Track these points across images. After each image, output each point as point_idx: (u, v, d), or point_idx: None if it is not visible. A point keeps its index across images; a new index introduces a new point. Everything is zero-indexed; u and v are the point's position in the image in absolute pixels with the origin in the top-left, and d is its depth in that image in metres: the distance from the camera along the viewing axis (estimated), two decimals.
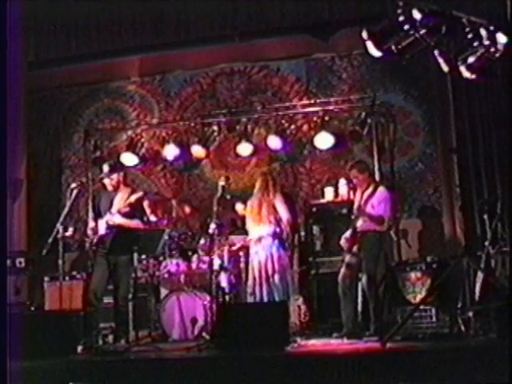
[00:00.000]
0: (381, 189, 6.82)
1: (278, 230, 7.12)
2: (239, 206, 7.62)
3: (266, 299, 6.99)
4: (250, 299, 7.16)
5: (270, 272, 7.05)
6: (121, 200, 7.01)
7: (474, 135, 7.90)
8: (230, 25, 8.32)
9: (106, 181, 7.15)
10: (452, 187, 8.04)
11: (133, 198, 6.87)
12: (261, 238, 7.15)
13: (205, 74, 9.66)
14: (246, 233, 7.44)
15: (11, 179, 8.00)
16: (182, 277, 7.94)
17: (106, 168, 7.21)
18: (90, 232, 7.00)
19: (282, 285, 7.03)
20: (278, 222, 7.12)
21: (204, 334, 7.11)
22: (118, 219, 6.87)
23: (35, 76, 8.89)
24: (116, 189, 7.10)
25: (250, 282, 7.18)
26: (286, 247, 7.17)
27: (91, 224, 7.03)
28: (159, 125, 9.62)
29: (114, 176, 7.10)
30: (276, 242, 7.10)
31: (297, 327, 7.16)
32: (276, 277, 7.03)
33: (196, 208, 8.74)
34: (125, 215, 6.90)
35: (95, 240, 6.91)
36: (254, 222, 7.23)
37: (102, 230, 6.92)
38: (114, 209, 6.92)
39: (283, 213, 7.13)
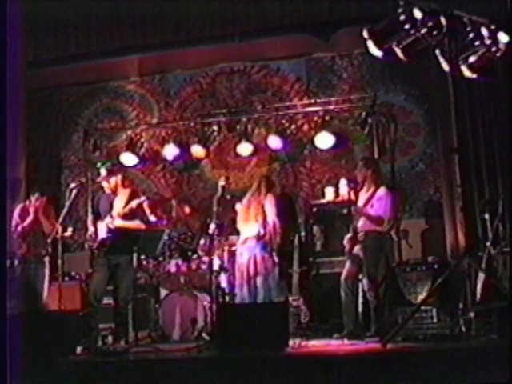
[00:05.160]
0: (382, 189, 6.80)
1: (262, 231, 7.04)
2: (239, 206, 7.59)
3: (247, 301, 6.94)
4: (236, 300, 7.13)
5: (251, 274, 6.99)
6: (120, 202, 7.02)
7: (475, 135, 7.88)
8: (230, 25, 8.30)
9: (104, 184, 7.17)
10: (453, 187, 8.01)
11: (134, 203, 6.87)
12: (246, 238, 7.10)
13: (205, 74, 9.64)
14: (237, 233, 7.40)
15: (10, 179, 7.97)
16: (182, 277, 7.93)
17: (103, 172, 7.21)
18: (89, 237, 7.00)
19: (263, 287, 6.95)
20: (265, 223, 7.05)
21: (204, 334, 7.09)
22: (119, 222, 6.88)
23: (35, 76, 8.86)
24: (114, 191, 7.11)
25: (237, 282, 7.16)
26: (269, 250, 7.07)
27: (91, 229, 7.03)
28: (159, 124, 9.60)
29: (112, 180, 7.11)
30: (260, 243, 7.03)
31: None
32: (258, 279, 6.96)
33: (196, 208, 8.72)
34: (125, 218, 6.90)
35: (96, 244, 6.91)
36: (243, 221, 7.20)
37: (102, 233, 6.92)
38: (115, 212, 6.94)
39: (270, 215, 7.05)
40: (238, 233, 7.39)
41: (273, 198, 7.19)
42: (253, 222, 7.10)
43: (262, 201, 7.12)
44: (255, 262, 7.00)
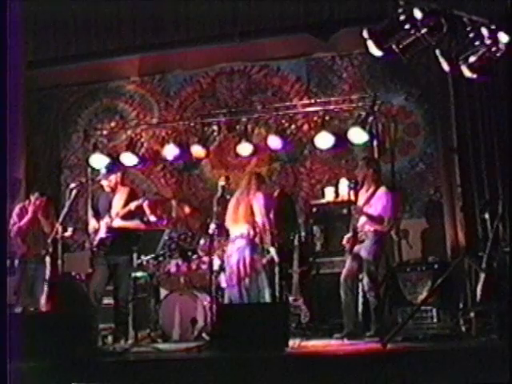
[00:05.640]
0: (382, 189, 6.81)
1: (252, 232, 6.90)
2: (229, 206, 7.54)
3: (236, 302, 6.89)
4: (226, 300, 7.10)
5: (241, 275, 6.88)
6: (119, 201, 7.03)
7: (475, 135, 7.88)
8: (229, 25, 8.30)
9: (104, 182, 7.18)
10: (453, 187, 8.02)
11: (133, 205, 6.88)
12: (235, 239, 7.00)
13: (205, 74, 9.64)
14: (227, 233, 7.31)
15: (10, 179, 7.98)
16: (182, 277, 7.92)
17: (102, 170, 7.23)
18: (91, 232, 7.01)
19: (252, 290, 6.86)
20: (254, 224, 6.91)
21: (204, 334, 7.09)
22: (118, 222, 6.88)
23: (34, 76, 8.87)
24: (114, 190, 7.12)
25: (228, 283, 7.09)
26: (259, 251, 6.95)
27: (93, 224, 7.03)
28: (159, 125, 9.60)
29: (112, 177, 7.12)
30: (249, 245, 6.90)
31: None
32: (247, 281, 6.87)
33: (196, 208, 8.71)
34: (124, 218, 6.90)
35: (95, 242, 6.92)
36: (231, 221, 7.05)
37: (102, 232, 6.93)
38: (113, 212, 6.94)
39: (258, 215, 6.89)
40: (227, 233, 7.32)
41: (262, 196, 7.00)
42: (242, 223, 6.96)
43: (251, 200, 6.96)
44: (244, 264, 6.92)
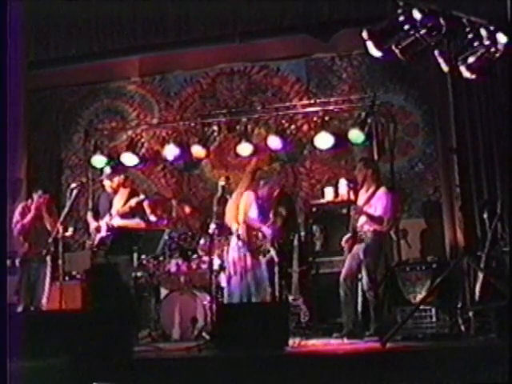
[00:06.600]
0: (382, 189, 6.83)
1: (242, 231, 7.05)
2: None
3: (226, 301, 6.96)
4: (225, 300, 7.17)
5: (232, 274, 7.00)
6: (120, 201, 7.06)
7: (473, 135, 7.90)
8: (230, 25, 8.32)
9: (107, 183, 7.21)
10: (452, 187, 8.03)
11: (133, 201, 6.92)
12: (231, 238, 7.12)
13: (205, 74, 9.66)
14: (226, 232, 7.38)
15: (11, 179, 8.00)
16: (182, 277, 7.95)
17: (107, 170, 7.25)
18: (93, 231, 7.03)
19: (243, 288, 6.95)
20: (244, 223, 7.05)
21: (204, 334, 7.12)
22: (118, 221, 6.90)
23: (35, 76, 8.89)
24: (115, 191, 7.15)
25: (225, 283, 7.18)
26: (245, 250, 7.07)
27: (94, 223, 7.05)
28: (159, 125, 9.61)
29: (116, 179, 7.15)
30: (240, 244, 7.03)
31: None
32: (240, 280, 6.96)
33: (196, 208, 8.74)
34: (124, 216, 6.93)
35: (96, 241, 6.94)
36: (228, 221, 7.18)
37: (102, 231, 6.96)
38: (114, 210, 6.96)
39: (248, 214, 7.03)
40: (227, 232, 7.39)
41: (253, 195, 7.12)
42: (235, 222, 7.11)
43: (237, 200, 7.08)
44: (237, 264, 6.99)
